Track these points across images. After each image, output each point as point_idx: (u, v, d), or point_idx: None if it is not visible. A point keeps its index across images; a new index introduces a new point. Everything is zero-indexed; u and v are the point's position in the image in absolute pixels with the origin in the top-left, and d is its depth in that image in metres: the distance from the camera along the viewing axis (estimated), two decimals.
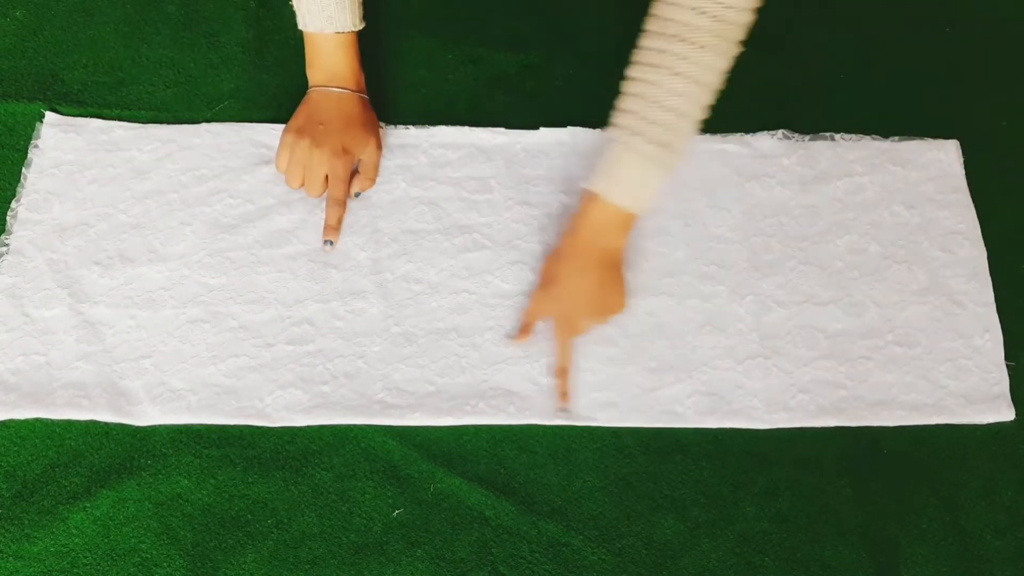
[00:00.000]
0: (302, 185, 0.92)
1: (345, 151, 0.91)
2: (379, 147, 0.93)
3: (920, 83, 1.04)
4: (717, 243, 0.94)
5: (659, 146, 0.79)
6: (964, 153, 0.99)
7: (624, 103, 0.80)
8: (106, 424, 0.84)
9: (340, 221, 0.92)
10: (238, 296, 0.89)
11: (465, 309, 0.90)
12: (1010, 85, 1.04)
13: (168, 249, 0.91)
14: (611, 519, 0.82)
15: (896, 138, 1.00)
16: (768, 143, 0.98)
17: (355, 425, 0.85)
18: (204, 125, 0.96)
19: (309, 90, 0.92)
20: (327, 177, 0.91)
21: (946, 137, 1.00)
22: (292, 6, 0.89)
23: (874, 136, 1.00)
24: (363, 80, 0.93)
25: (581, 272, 0.86)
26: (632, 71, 0.78)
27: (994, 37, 1.07)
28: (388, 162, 0.95)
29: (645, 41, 0.78)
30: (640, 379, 0.87)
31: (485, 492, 0.83)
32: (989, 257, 0.94)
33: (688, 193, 0.96)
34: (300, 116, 0.92)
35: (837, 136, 0.99)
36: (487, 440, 0.85)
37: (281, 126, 0.94)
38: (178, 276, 0.90)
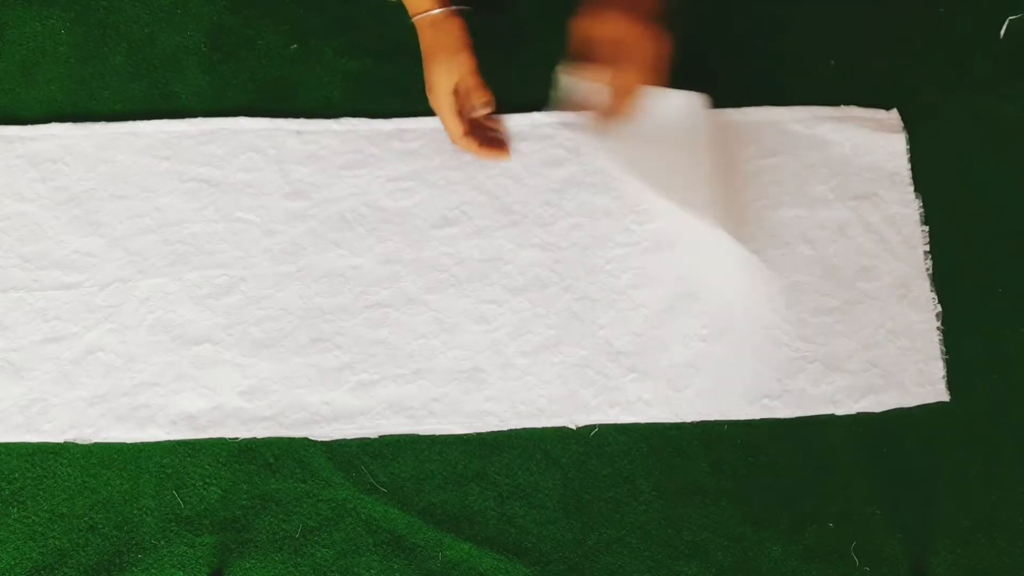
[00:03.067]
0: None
1: (430, 88, 0.86)
2: (468, 60, 0.85)
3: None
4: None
5: None
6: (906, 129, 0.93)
7: None
8: (91, 519, 0.79)
9: (480, 147, 0.89)
10: (255, 309, 0.86)
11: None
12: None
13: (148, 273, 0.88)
14: (632, 572, 0.78)
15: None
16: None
17: (353, 497, 0.80)
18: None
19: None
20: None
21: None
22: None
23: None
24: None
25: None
26: None
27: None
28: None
29: None
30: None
31: (497, 556, 0.78)
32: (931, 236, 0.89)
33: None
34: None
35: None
36: (494, 499, 0.81)
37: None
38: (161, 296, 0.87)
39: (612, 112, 0.81)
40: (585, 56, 0.79)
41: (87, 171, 0.90)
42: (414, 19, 0.85)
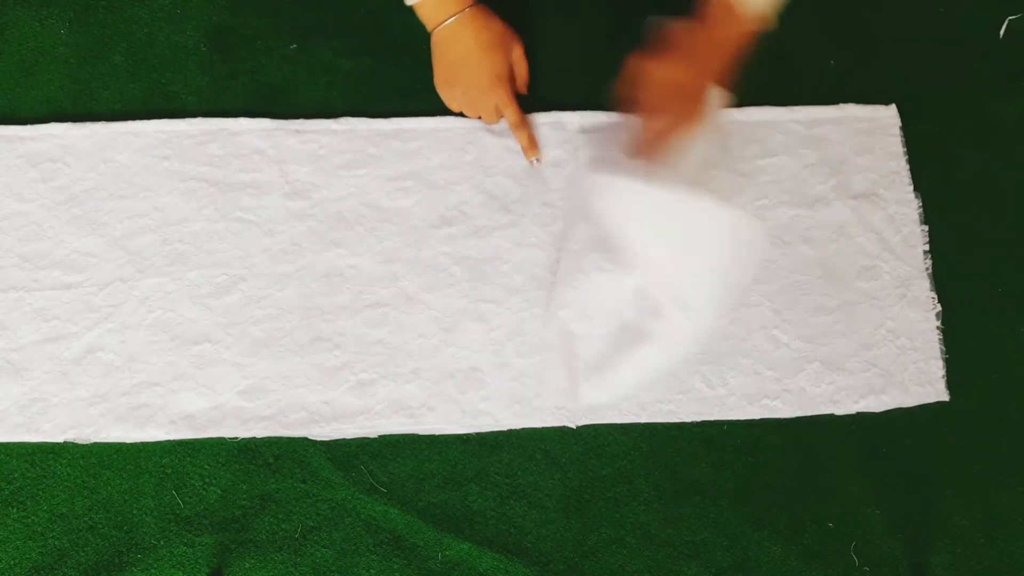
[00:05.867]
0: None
1: (497, 78, 0.88)
2: (519, 46, 0.89)
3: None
4: None
5: None
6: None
7: None
8: (90, 519, 0.79)
9: (531, 138, 0.91)
10: (254, 309, 0.86)
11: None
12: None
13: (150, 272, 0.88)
14: (632, 572, 0.78)
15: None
16: None
17: (352, 497, 0.80)
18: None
19: (431, 35, 0.87)
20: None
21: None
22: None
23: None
24: None
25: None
26: None
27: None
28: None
29: None
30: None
31: (497, 556, 0.78)
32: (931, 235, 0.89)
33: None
34: (437, 67, 0.89)
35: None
36: (494, 499, 0.81)
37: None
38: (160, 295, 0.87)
39: (643, 152, 0.81)
40: (632, 94, 0.79)
41: (87, 171, 0.90)
42: (442, 26, 0.85)
